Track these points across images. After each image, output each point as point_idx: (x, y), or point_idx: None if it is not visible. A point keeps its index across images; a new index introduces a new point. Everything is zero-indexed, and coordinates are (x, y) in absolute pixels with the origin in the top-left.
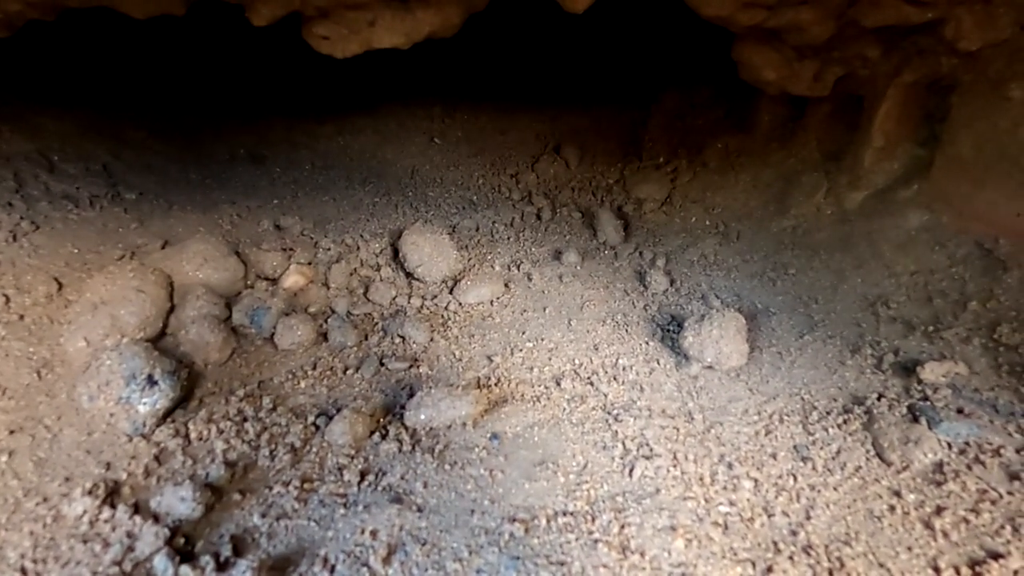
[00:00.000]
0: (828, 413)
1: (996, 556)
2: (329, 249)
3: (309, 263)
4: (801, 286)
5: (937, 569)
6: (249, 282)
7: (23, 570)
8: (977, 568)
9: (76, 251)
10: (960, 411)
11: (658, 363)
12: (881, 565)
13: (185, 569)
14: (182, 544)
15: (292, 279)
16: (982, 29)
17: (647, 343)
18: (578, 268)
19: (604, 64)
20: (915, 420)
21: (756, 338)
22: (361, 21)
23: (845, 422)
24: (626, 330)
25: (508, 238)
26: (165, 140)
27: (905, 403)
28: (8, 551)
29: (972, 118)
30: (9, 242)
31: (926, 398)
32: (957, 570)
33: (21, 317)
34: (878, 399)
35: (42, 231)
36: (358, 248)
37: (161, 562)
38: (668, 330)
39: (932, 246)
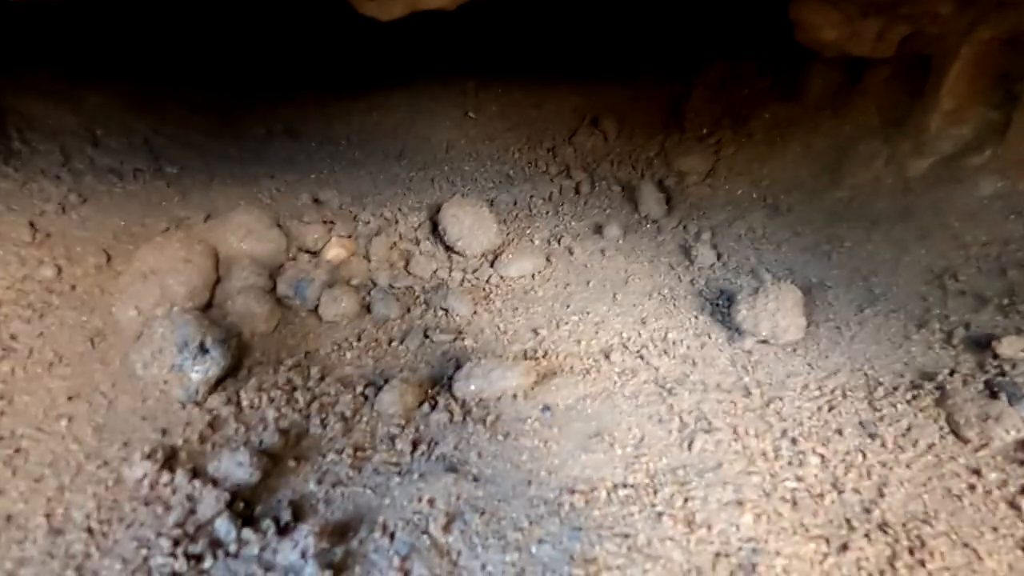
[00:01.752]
0: (895, 389)
1: None
2: (368, 222)
3: (349, 236)
4: (859, 259)
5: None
6: (291, 255)
7: (89, 530)
8: None
9: (122, 223)
10: None
11: (709, 337)
12: (965, 545)
13: (247, 532)
14: (242, 508)
15: (334, 251)
16: None
17: (696, 317)
18: (620, 242)
19: (644, 34)
20: (993, 396)
21: (812, 312)
22: None
23: (914, 398)
24: (673, 304)
25: (547, 212)
26: (204, 115)
27: (981, 379)
28: (74, 512)
29: None
30: (59, 214)
31: (1003, 374)
32: None
33: (73, 288)
34: (950, 375)
35: (89, 204)
36: (397, 222)
37: (223, 525)
38: (717, 304)
39: (1006, 215)
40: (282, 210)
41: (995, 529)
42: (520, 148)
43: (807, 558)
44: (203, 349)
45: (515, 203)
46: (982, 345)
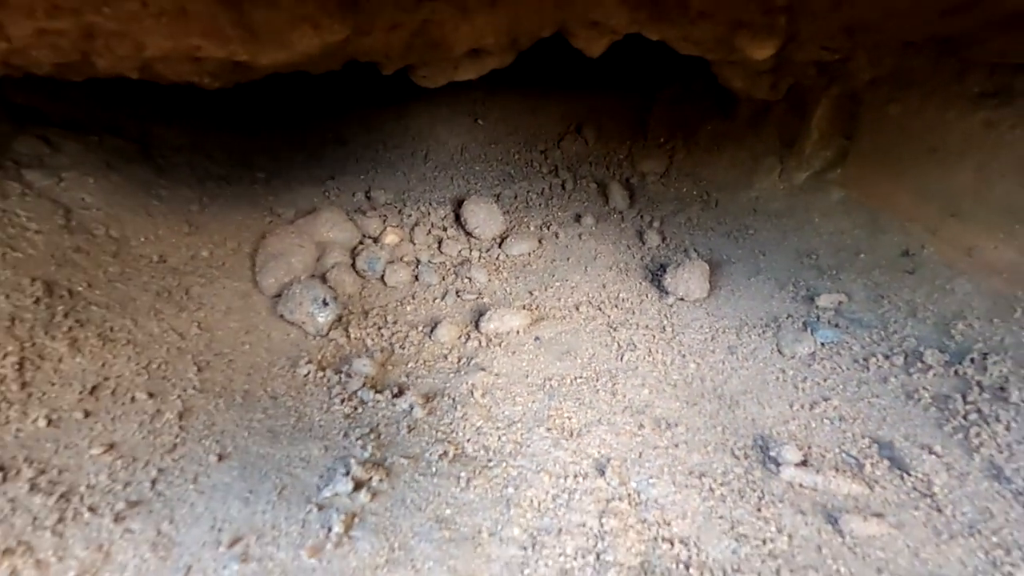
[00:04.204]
0: (754, 327)
1: (826, 399)
2: (410, 215)
3: (398, 226)
4: (756, 243)
5: (791, 405)
6: (359, 240)
7: (291, 396)
8: (814, 405)
9: (240, 218)
10: (836, 325)
11: (647, 296)
12: (760, 404)
13: (378, 396)
14: (371, 386)
15: (389, 237)
16: (873, 66)
17: (640, 283)
18: (593, 228)
19: (619, 60)
20: (805, 329)
21: (719, 280)
22: (448, 66)
23: (763, 332)
24: (626, 274)
25: (539, 205)
26: (273, 129)
27: (803, 320)
28: (277, 389)
29: (870, 126)
30: (200, 212)
31: (817, 317)
32: (802, 406)
33: (223, 264)
34: (787, 318)
35: (215, 203)
36: (429, 214)
37: (365, 393)
38: (656, 274)
39: (844, 214)
40: (345, 205)
41: (780, 397)
42: (519, 151)
43: (673, 409)
44: (325, 303)
45: (515, 197)
46: (812, 299)
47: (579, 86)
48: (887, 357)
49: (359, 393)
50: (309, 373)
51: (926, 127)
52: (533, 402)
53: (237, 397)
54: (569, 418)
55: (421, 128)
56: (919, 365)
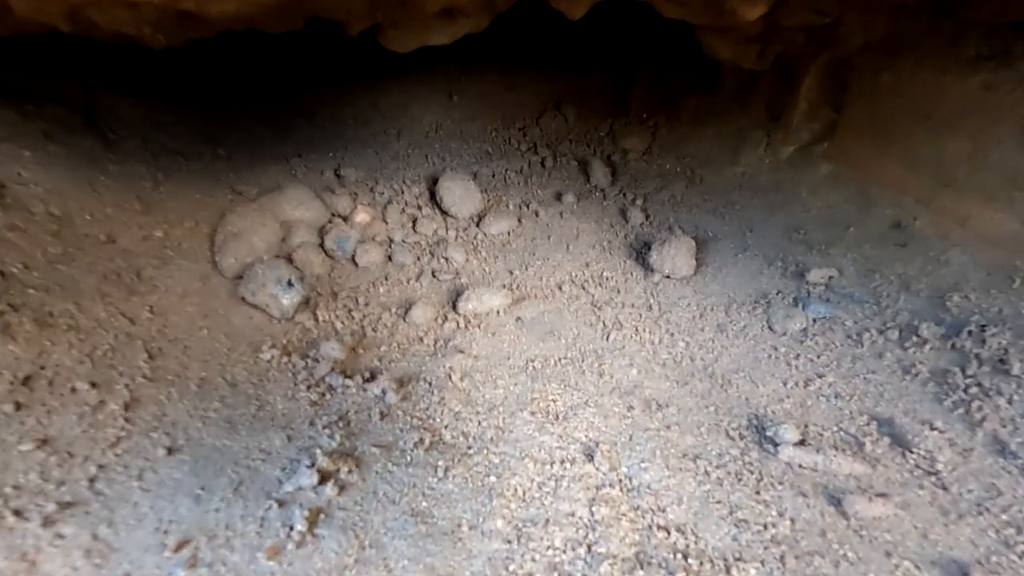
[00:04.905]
0: (743, 304)
1: (821, 376)
2: (383, 193)
3: (369, 204)
4: (742, 218)
5: (785, 383)
6: (328, 219)
7: (253, 384)
8: (808, 383)
9: (198, 196)
10: (827, 300)
11: (631, 275)
12: (753, 382)
13: (348, 381)
14: (340, 371)
15: (360, 216)
16: (865, 30)
17: (625, 261)
18: (575, 207)
19: (599, 38)
20: (795, 305)
21: (705, 256)
22: (419, 28)
23: (753, 309)
24: (610, 253)
25: (518, 183)
26: (238, 104)
27: (793, 296)
28: (237, 376)
29: (860, 95)
30: (153, 189)
31: (808, 293)
32: (796, 383)
33: (179, 244)
34: (776, 294)
35: (171, 180)
36: (403, 192)
37: (333, 378)
38: (640, 252)
39: (832, 188)
40: (313, 183)
41: (773, 375)
42: (497, 128)
43: (663, 389)
44: (290, 283)
45: (493, 175)
46: (802, 275)
47: (558, 63)
48: (881, 332)
49: (327, 378)
50: (273, 359)
51: (920, 94)
52: (515, 385)
53: (192, 385)
54: (554, 401)
55: (394, 105)
56: (915, 339)
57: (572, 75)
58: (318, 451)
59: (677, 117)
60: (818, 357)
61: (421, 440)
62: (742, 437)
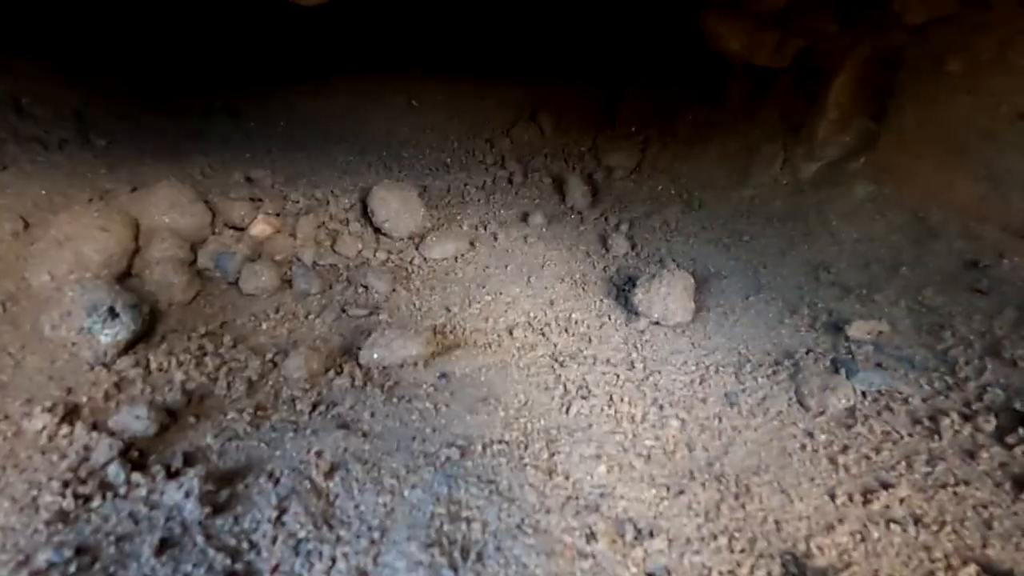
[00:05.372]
0: (760, 365)
1: (887, 486)
2: (298, 202)
3: (277, 214)
4: (753, 252)
5: (833, 496)
6: (216, 230)
7: None
8: (868, 496)
9: (44, 193)
10: (879, 364)
11: (609, 318)
12: (784, 492)
13: (136, 476)
14: (136, 457)
15: (259, 228)
16: (926, 4)
17: (602, 300)
18: (543, 230)
19: (585, 39)
20: (836, 371)
21: (705, 299)
22: None
23: (774, 373)
24: (583, 288)
25: (478, 200)
26: (139, 90)
27: (830, 357)
28: None
29: (915, 93)
30: None
31: (850, 353)
32: (850, 497)
33: None
34: (806, 353)
35: (9, 171)
36: (328, 203)
37: (114, 469)
38: (623, 289)
39: (874, 215)
40: (213, 187)
41: (812, 479)
42: (460, 138)
43: (646, 501)
44: (113, 313)
45: (448, 189)
46: (839, 328)
47: (537, 71)
48: (967, 418)
49: (106, 470)
50: (43, 428)
51: (1006, 87)
52: (413, 487)
53: None
54: (469, 521)
55: (341, 106)
56: (1021, 432)
57: (551, 84)
58: None
59: (672, 131)
60: (876, 453)
61: None
62: None
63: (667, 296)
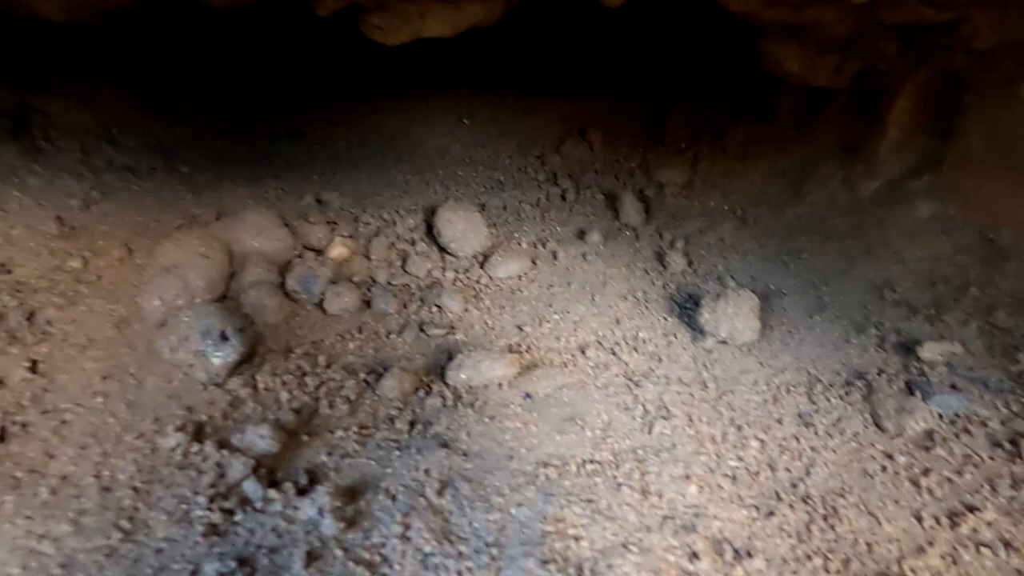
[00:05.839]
0: (831, 385)
1: (973, 509)
2: (368, 223)
3: (351, 236)
4: (813, 270)
5: (920, 519)
6: (298, 252)
7: (135, 489)
8: (955, 519)
9: (140, 219)
10: (953, 386)
11: (675, 337)
12: (871, 514)
13: (272, 492)
14: (265, 474)
15: (337, 250)
16: (996, 30)
17: (665, 319)
18: (601, 247)
19: (631, 55)
20: (911, 393)
21: (768, 317)
22: (413, 13)
23: (847, 394)
24: (646, 306)
25: (534, 217)
26: (211, 117)
27: (903, 378)
28: (119, 474)
29: (983, 115)
30: (82, 209)
31: (923, 374)
32: (937, 520)
33: (99, 278)
34: (878, 374)
35: (109, 199)
36: (395, 223)
37: (251, 486)
38: (685, 307)
39: (939, 235)
40: (287, 210)
41: (897, 502)
42: (511, 155)
43: (739, 521)
44: (224, 337)
45: (505, 207)
46: (909, 349)
47: (583, 86)
48: None
49: (242, 486)
50: (177, 446)
51: None
52: (519, 505)
53: (43, 490)
54: (577, 539)
55: (395, 125)
56: None
57: (598, 98)
58: None
59: (722, 147)
60: (959, 475)
61: None
62: None
63: (734, 316)
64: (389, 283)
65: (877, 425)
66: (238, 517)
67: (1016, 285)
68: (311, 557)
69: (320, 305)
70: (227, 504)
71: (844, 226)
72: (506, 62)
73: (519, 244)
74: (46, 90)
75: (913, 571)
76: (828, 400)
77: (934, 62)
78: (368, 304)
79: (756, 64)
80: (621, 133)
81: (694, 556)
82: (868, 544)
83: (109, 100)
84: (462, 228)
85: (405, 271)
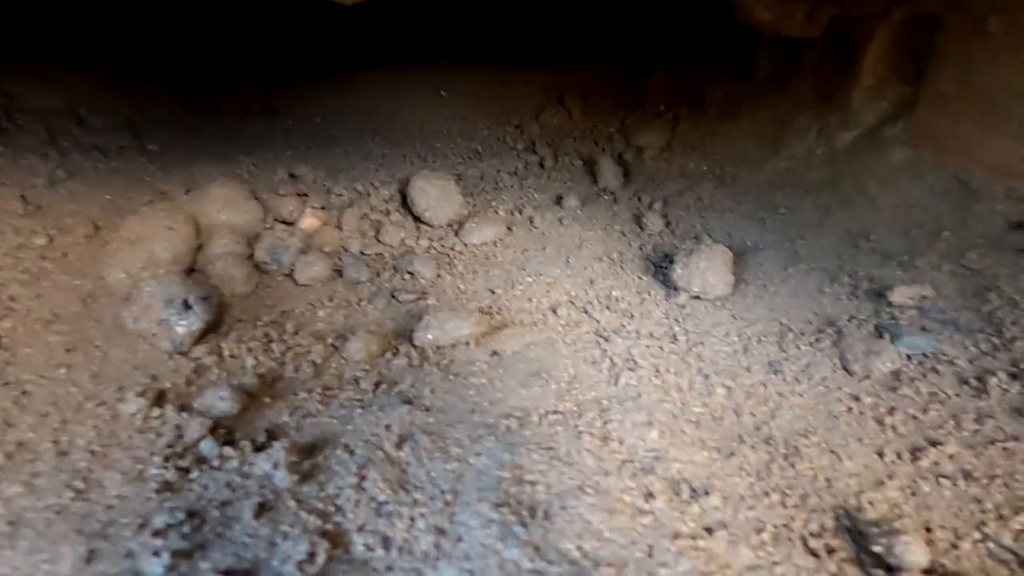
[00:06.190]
0: (802, 334)
1: (935, 444)
2: (341, 195)
3: (323, 208)
4: (789, 224)
5: (881, 455)
6: (268, 225)
7: (92, 452)
8: (917, 454)
9: (108, 197)
10: (923, 328)
11: (649, 295)
12: (832, 452)
13: (227, 450)
14: (223, 434)
15: (307, 221)
16: None
17: (640, 277)
18: (578, 212)
19: (609, 23)
20: (879, 336)
21: (743, 272)
22: None
23: (817, 341)
24: (621, 267)
25: (512, 185)
26: (181, 95)
27: (873, 323)
28: (78, 439)
29: (954, 55)
30: (48, 188)
31: (893, 318)
32: (899, 455)
33: (65, 255)
34: (849, 320)
35: (76, 178)
36: (369, 195)
37: (207, 445)
38: (661, 267)
39: (913, 180)
40: (259, 184)
41: (860, 440)
42: (489, 125)
43: (699, 463)
44: (187, 305)
45: (482, 177)
46: (880, 295)
47: (562, 55)
48: (1014, 376)
49: (199, 446)
50: (137, 411)
51: None
52: (478, 455)
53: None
54: (532, 483)
55: (371, 100)
56: None
57: (577, 67)
58: None
59: (701, 108)
60: (924, 413)
61: (311, 556)
62: (831, 552)
63: (706, 270)
64: (362, 253)
65: (845, 369)
66: (193, 475)
67: (988, 226)
68: (262, 508)
69: (290, 275)
70: (182, 463)
71: (821, 179)
72: (483, 32)
73: (496, 212)
74: (13, 72)
75: (871, 503)
76: (798, 348)
77: (906, 5)
78: (340, 273)
79: (732, 22)
80: (601, 99)
81: (650, 496)
82: (827, 480)
83: (75, 80)
84: (435, 196)
85: (378, 241)
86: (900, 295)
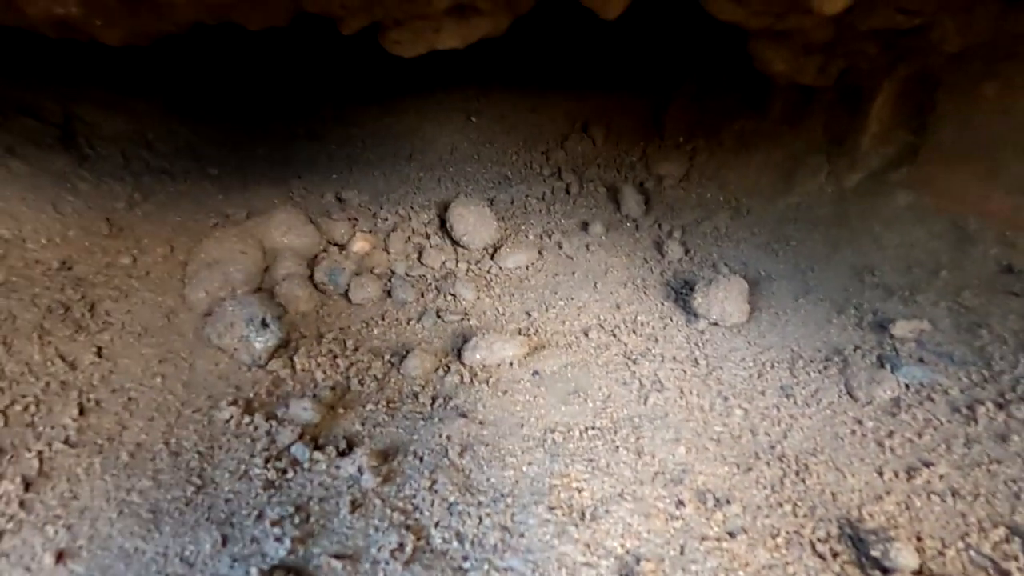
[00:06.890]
0: (812, 361)
1: (928, 465)
2: (386, 219)
3: (370, 231)
4: (800, 256)
5: (881, 473)
6: (322, 247)
7: (199, 453)
8: (912, 473)
9: (178, 219)
10: (921, 360)
11: (671, 320)
12: (838, 469)
13: (317, 454)
14: (309, 440)
15: (359, 245)
16: (962, 34)
17: (662, 303)
18: (603, 238)
19: (630, 54)
20: (881, 366)
21: (757, 300)
22: (427, 28)
23: (825, 368)
24: (644, 292)
25: (540, 211)
26: (234, 121)
27: (876, 353)
28: (184, 442)
29: (954, 111)
30: (127, 211)
31: (894, 349)
32: (896, 474)
33: (147, 273)
34: (854, 350)
35: (150, 201)
36: (410, 218)
37: (299, 449)
38: (681, 293)
39: (915, 222)
40: (310, 207)
41: (862, 459)
42: (517, 151)
43: (721, 476)
44: (264, 323)
45: (512, 202)
46: (883, 327)
47: (585, 83)
48: (1000, 406)
49: (291, 450)
50: (231, 418)
51: None
52: (530, 464)
53: (123, 454)
54: (579, 490)
55: (406, 125)
56: None
57: (600, 96)
58: (254, 569)
59: (718, 141)
60: (919, 437)
61: (401, 546)
62: (835, 555)
63: (724, 299)
64: (407, 274)
65: (850, 395)
66: (290, 475)
67: (981, 268)
68: (354, 505)
69: (345, 295)
70: (280, 464)
71: (830, 215)
72: (512, 62)
73: (526, 236)
74: (86, 100)
75: (871, 515)
76: (808, 374)
77: (910, 62)
78: (389, 294)
79: (749, 63)
80: (622, 128)
81: (680, 503)
82: (833, 494)
83: (143, 108)
84: (473, 222)
85: (421, 263)
86: (901, 328)
